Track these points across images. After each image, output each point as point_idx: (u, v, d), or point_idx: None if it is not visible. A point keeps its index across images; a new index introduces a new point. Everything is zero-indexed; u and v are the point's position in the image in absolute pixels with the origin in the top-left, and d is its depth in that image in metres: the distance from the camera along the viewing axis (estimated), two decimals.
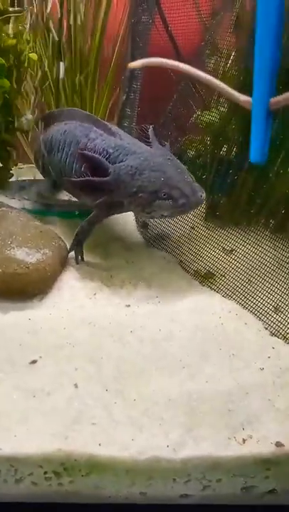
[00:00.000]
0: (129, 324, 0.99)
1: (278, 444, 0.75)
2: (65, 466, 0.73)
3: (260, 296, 1.06)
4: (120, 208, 1.16)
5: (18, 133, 1.53)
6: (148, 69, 1.61)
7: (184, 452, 0.74)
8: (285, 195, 1.14)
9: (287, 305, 1.03)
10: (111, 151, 1.15)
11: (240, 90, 0.66)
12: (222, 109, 1.21)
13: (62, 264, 1.14)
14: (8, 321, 0.98)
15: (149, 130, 1.23)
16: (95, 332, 0.96)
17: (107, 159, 1.13)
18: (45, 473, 0.74)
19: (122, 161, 1.12)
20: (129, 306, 1.05)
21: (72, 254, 1.18)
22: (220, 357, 0.92)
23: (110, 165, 1.12)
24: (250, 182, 1.18)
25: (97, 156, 1.13)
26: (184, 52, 1.42)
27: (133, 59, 1.62)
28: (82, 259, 1.18)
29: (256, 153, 0.66)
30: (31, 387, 0.82)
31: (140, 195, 1.08)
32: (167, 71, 1.44)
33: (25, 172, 1.62)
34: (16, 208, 1.30)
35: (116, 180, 1.10)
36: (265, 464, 0.75)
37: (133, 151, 1.14)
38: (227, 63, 1.18)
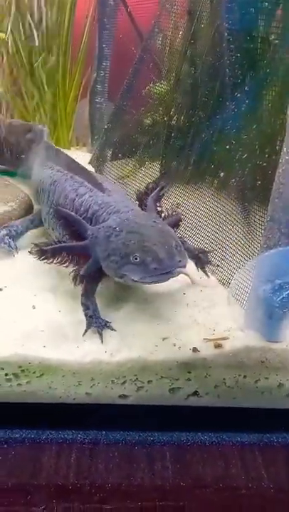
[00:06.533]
0: None
1: (194, 350, 0.92)
2: (22, 368, 0.90)
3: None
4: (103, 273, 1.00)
5: None
6: (116, 48, 1.79)
7: (119, 356, 0.92)
8: (224, 157, 1.29)
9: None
10: (96, 208, 1.04)
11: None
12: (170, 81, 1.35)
13: (27, 215, 1.31)
14: None
15: (148, 199, 1.07)
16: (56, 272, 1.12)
17: (91, 218, 1.04)
18: (6, 375, 0.91)
19: (104, 221, 1.00)
20: None
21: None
22: None
23: (89, 226, 1.00)
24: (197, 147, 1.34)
25: (73, 213, 1.01)
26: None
27: (101, 39, 1.79)
28: (105, 324, 0.98)
29: None
30: None
31: (112, 258, 0.94)
32: (131, 50, 1.60)
33: None
34: None
35: (94, 244, 0.98)
36: (186, 367, 0.92)
37: (117, 209, 1.01)
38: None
